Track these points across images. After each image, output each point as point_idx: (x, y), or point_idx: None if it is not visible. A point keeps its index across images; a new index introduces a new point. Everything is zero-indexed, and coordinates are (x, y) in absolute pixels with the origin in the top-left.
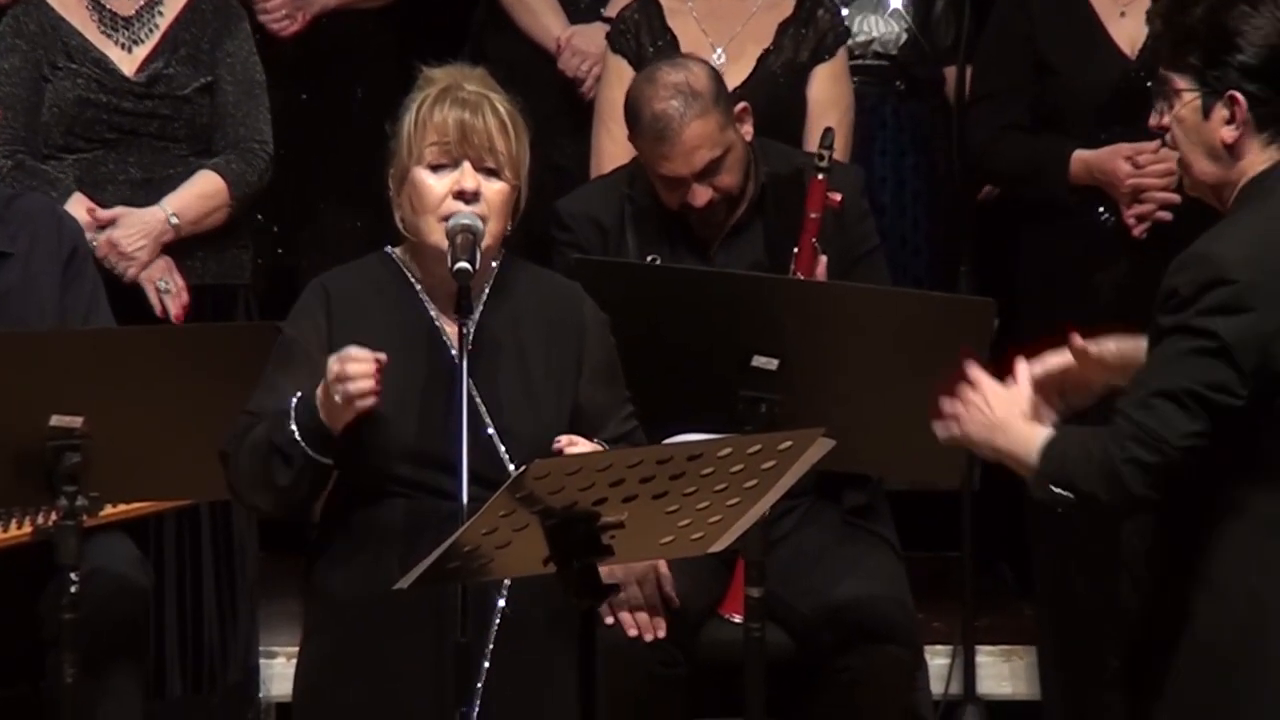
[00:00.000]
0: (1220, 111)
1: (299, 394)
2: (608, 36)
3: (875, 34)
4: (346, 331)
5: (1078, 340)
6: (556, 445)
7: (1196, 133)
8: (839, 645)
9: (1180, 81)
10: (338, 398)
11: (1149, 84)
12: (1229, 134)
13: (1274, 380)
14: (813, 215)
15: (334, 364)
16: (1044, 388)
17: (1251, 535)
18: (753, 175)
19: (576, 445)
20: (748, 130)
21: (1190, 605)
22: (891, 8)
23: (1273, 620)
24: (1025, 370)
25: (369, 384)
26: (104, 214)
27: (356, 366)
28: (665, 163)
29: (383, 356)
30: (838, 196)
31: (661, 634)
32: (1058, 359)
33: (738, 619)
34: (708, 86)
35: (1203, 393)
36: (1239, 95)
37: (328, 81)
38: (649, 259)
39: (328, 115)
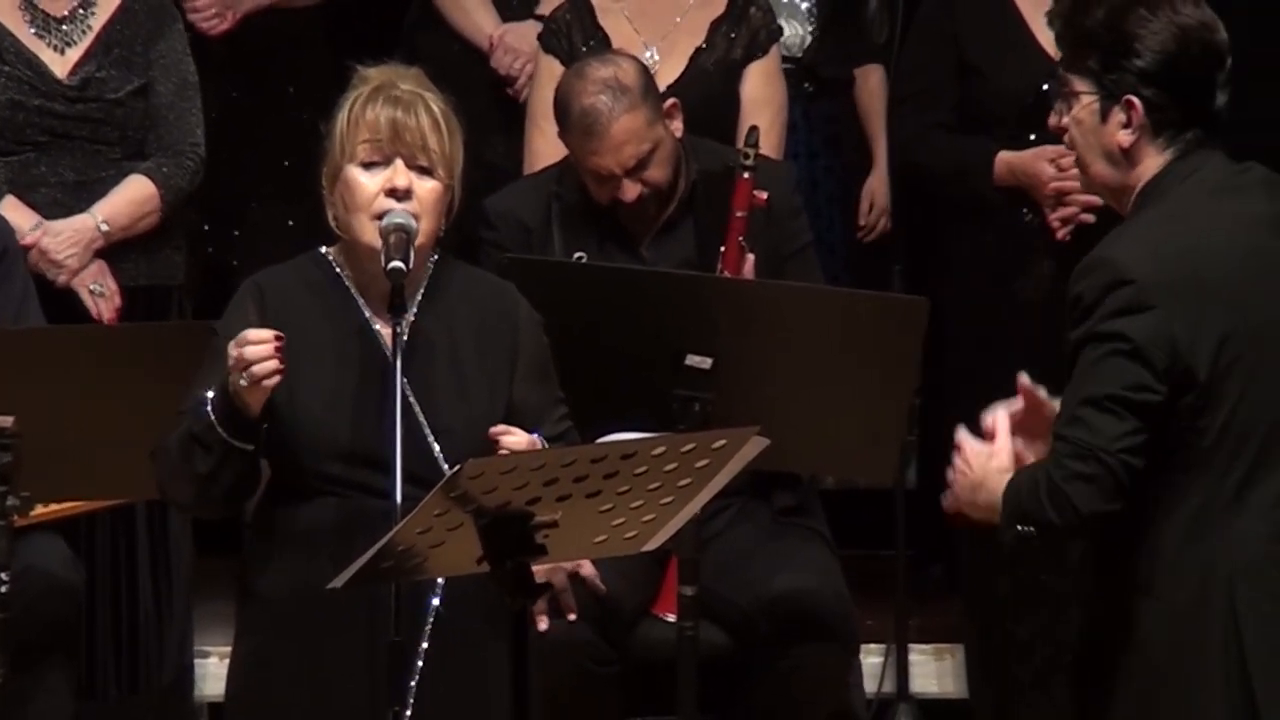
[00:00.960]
0: (1117, 116)
1: (209, 392)
2: (539, 36)
3: (781, 37)
4: (279, 330)
5: (1024, 381)
6: (492, 433)
7: (1094, 135)
8: (777, 638)
9: (1079, 84)
10: (243, 382)
11: None
12: (1125, 138)
13: (1185, 376)
14: (739, 214)
15: (232, 349)
16: (1027, 431)
17: (1180, 533)
18: (683, 172)
19: (512, 435)
20: (677, 126)
21: (1128, 605)
22: (801, 9)
23: (1206, 615)
24: (1004, 422)
25: (272, 363)
26: (30, 238)
27: (255, 349)
28: (594, 158)
29: (279, 333)
30: (764, 195)
31: (572, 618)
32: (1012, 408)
33: (671, 618)
34: (636, 81)
35: (1124, 395)
36: (1135, 100)
37: (259, 79)
38: (576, 256)
39: (259, 113)
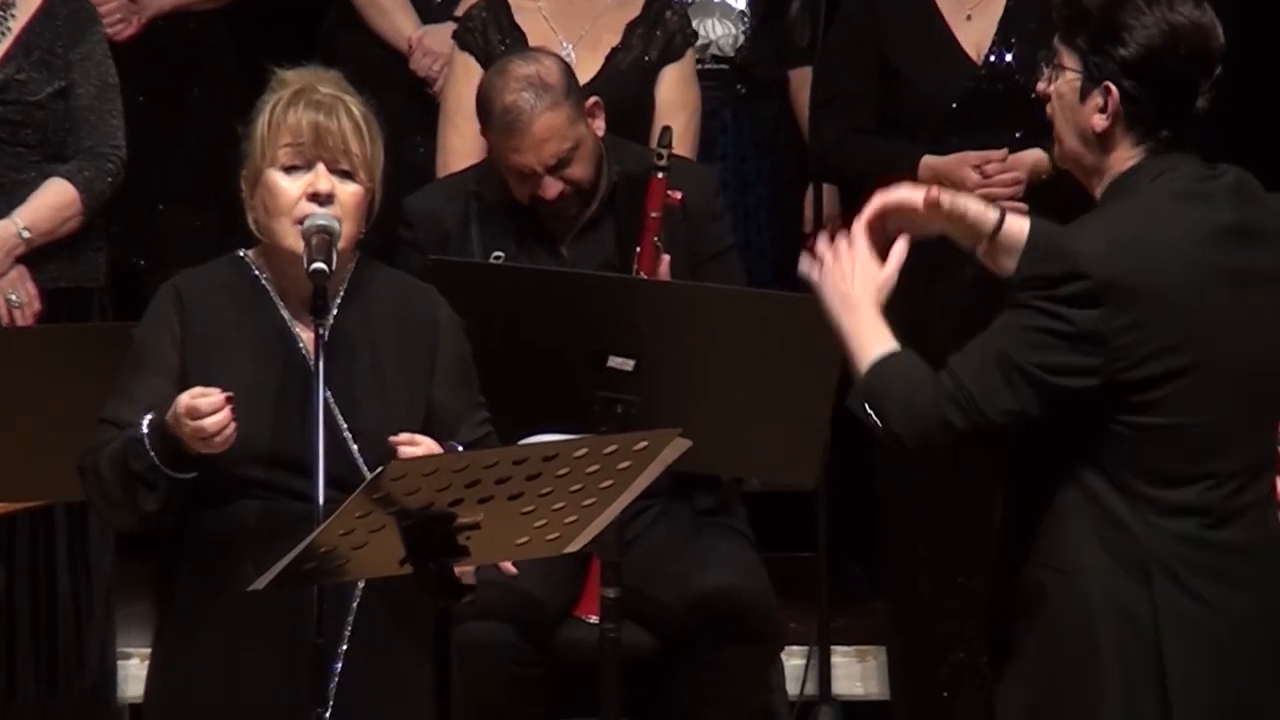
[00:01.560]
0: (1095, 99)
1: (148, 417)
2: (455, 34)
3: (713, 36)
4: (199, 334)
5: (934, 193)
6: (391, 442)
7: (1071, 112)
8: (702, 634)
9: (1067, 58)
10: (198, 447)
11: (999, 88)
12: (1099, 122)
13: (1117, 375)
14: (653, 214)
15: (186, 419)
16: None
17: (1102, 519)
18: (604, 171)
19: (417, 444)
20: (599, 125)
21: (1040, 580)
22: (735, 10)
23: (1120, 600)
24: (900, 251)
25: (230, 427)
26: None
27: (214, 420)
28: (516, 155)
29: (228, 393)
30: (678, 195)
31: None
32: (907, 197)
33: (594, 619)
34: (559, 79)
35: (1037, 374)
36: (1113, 88)
37: (164, 82)
38: (494, 255)
39: (164, 116)
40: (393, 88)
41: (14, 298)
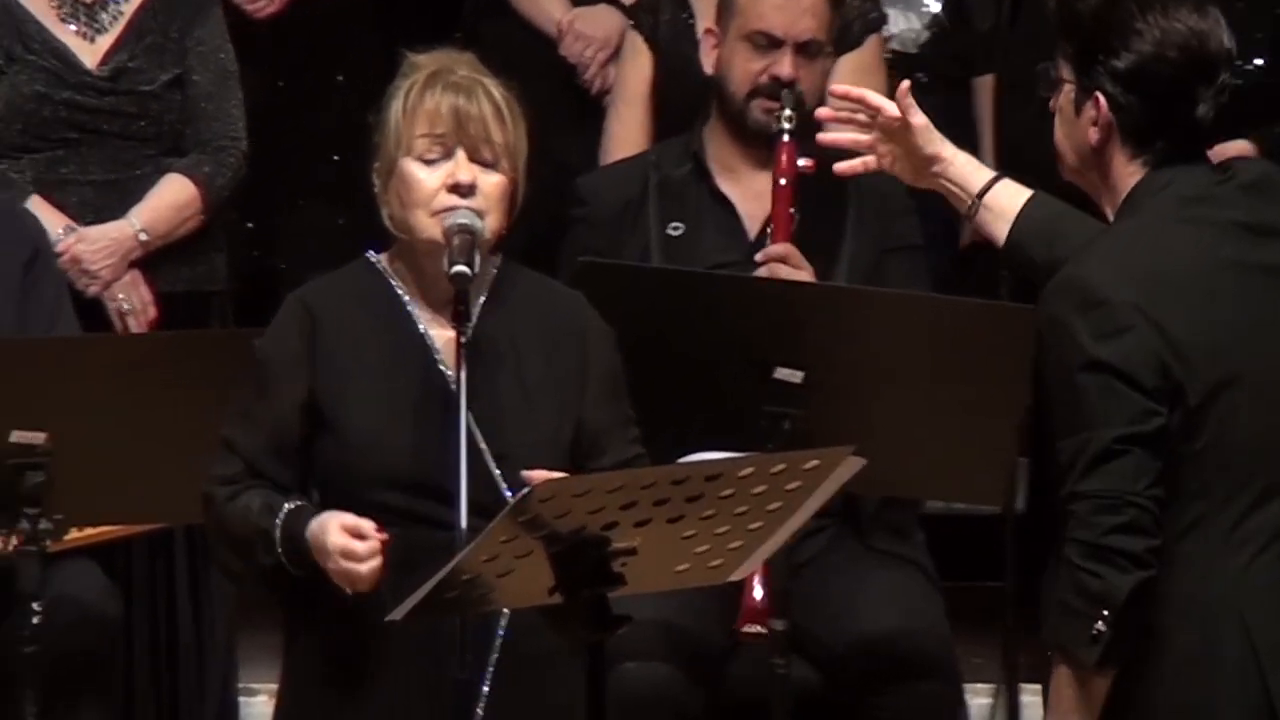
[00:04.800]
0: (1089, 111)
1: (284, 513)
2: (629, 11)
3: (895, 30)
4: (329, 352)
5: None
6: (528, 477)
7: (1069, 126)
8: (871, 681)
9: (1062, 70)
10: (341, 585)
11: None
12: (1093, 135)
13: (1175, 394)
14: (782, 182)
15: (337, 545)
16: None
17: (1185, 572)
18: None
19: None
20: (828, 83)
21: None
22: (922, 5)
23: (1221, 657)
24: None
25: (374, 573)
26: (63, 244)
27: (367, 567)
28: (771, 13)
29: (384, 536)
30: (809, 162)
31: None
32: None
33: (756, 629)
34: None
35: (1131, 431)
36: (1100, 98)
37: (306, 67)
38: (671, 227)
39: (307, 104)
40: (540, 77)
41: (126, 304)
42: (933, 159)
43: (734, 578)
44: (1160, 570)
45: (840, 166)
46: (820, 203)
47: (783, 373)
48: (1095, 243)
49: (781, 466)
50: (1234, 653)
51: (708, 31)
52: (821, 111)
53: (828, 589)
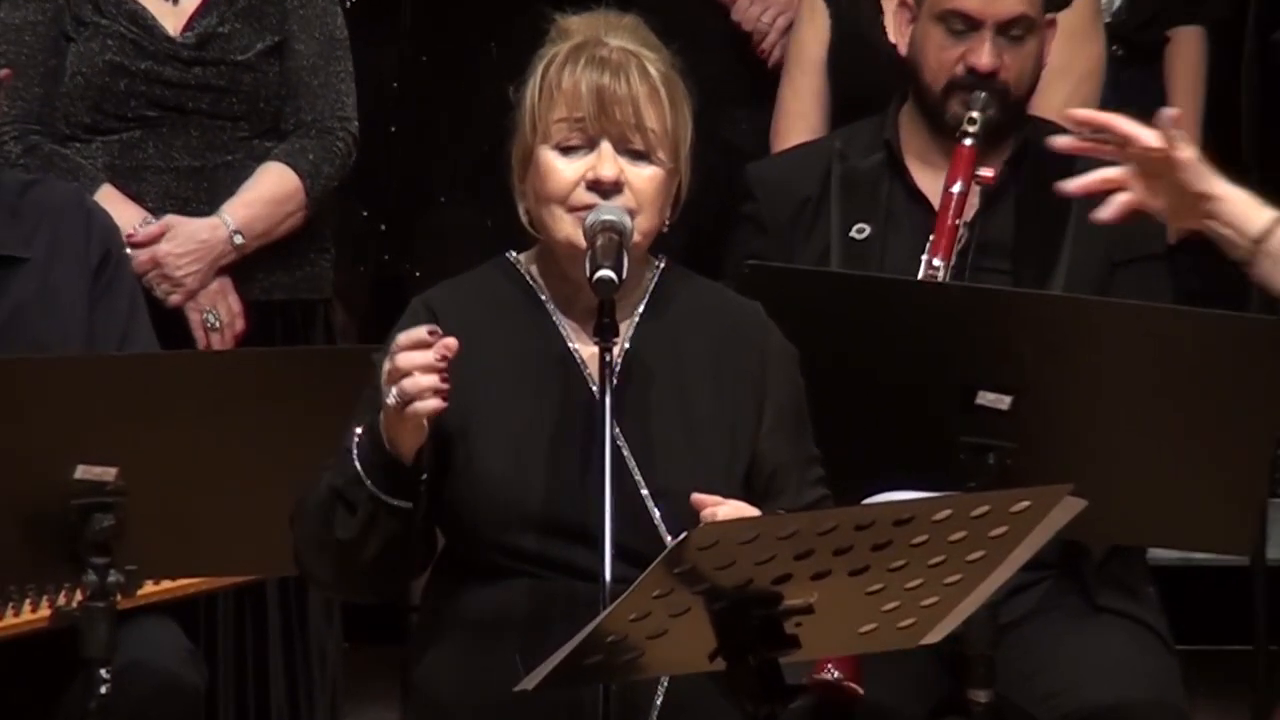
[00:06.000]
0: None
1: (354, 438)
2: None
3: None
4: (456, 361)
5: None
6: (696, 500)
7: None
8: None
9: None
10: (391, 400)
11: None
12: None
13: None
14: (952, 190)
15: (386, 363)
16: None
17: None
18: (1023, 118)
19: (724, 506)
20: (1046, 52)
21: None
22: None
23: None
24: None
25: (429, 379)
26: (149, 231)
27: (410, 357)
28: None
29: (451, 341)
30: (989, 172)
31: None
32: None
33: (833, 676)
34: None
35: None
36: None
37: (453, 38)
38: (856, 229)
39: (453, 81)
40: (708, 47)
41: (211, 317)
42: (1202, 197)
43: (928, 640)
44: None
45: (1072, 186)
46: (1034, 207)
47: (987, 397)
48: None
49: (985, 509)
50: None
51: (901, 4)
52: (1059, 142)
53: (1040, 655)
